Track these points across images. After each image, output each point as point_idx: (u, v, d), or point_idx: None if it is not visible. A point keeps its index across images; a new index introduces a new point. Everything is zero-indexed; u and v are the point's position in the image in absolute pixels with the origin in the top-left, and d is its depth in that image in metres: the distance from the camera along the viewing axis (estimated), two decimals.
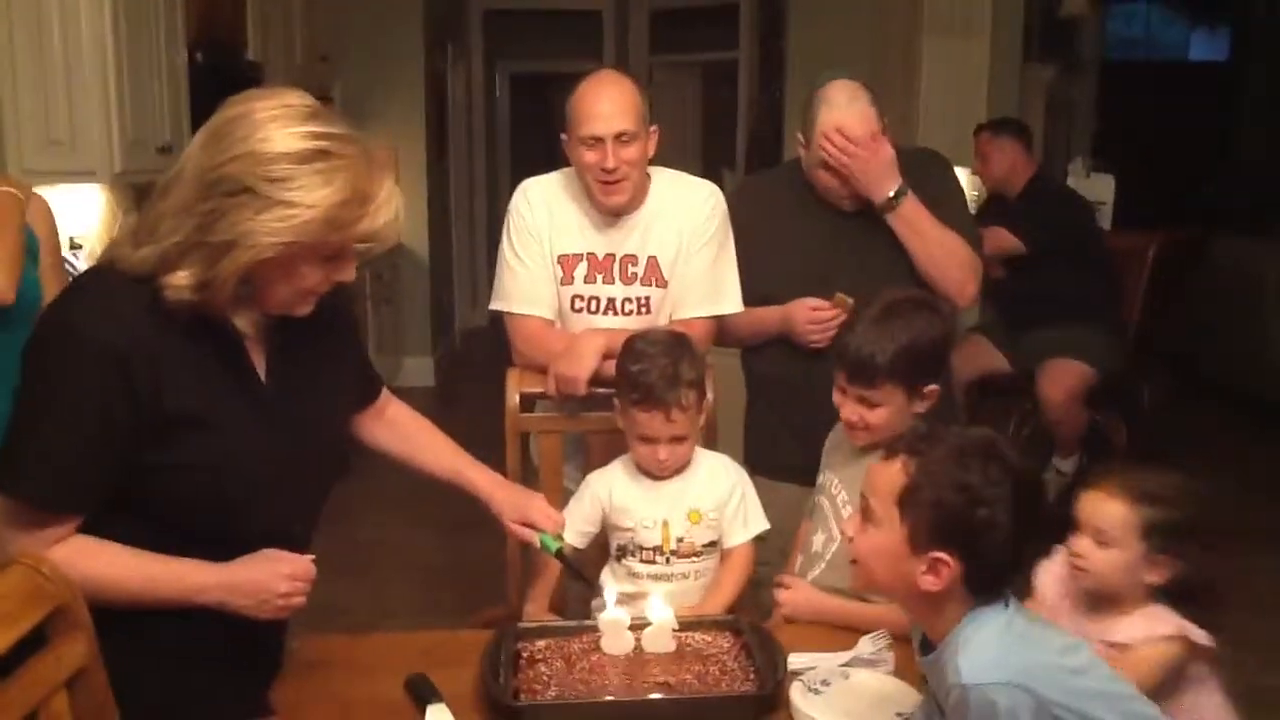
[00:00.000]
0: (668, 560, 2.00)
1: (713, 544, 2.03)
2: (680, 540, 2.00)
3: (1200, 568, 1.61)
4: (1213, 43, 9.92)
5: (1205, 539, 1.63)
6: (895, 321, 1.90)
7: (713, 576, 2.04)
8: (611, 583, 2.03)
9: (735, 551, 2.04)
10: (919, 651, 1.43)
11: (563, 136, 2.31)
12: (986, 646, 1.30)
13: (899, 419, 1.89)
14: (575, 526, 2.06)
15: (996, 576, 1.34)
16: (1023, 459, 1.38)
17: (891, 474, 1.36)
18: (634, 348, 2.01)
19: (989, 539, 1.31)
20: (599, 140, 2.22)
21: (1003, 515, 1.30)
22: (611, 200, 2.29)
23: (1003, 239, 4.21)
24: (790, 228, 2.51)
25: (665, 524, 1.99)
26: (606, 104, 2.23)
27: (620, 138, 2.22)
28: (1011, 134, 4.36)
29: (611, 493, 2.04)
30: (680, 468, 2.02)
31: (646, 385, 1.94)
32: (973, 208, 5.41)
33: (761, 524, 2.06)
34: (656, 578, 2.00)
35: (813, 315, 2.38)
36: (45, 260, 2.41)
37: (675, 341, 2.03)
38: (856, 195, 2.43)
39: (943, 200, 2.52)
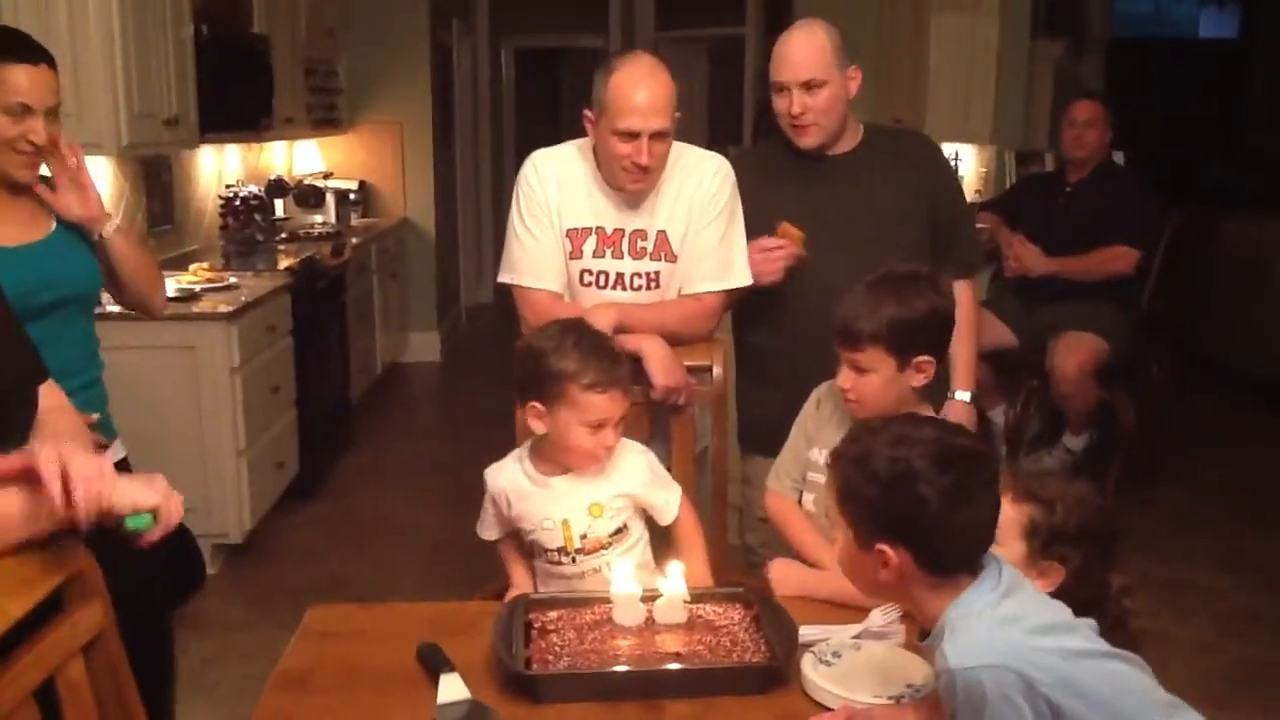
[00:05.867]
0: (574, 560, 1.96)
1: (619, 531, 1.97)
2: (584, 537, 1.95)
3: (1091, 578, 1.55)
4: (1222, 20, 9.84)
5: (1094, 550, 1.57)
6: (885, 289, 1.91)
7: (639, 560, 1.98)
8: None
9: (680, 522, 2.02)
10: (919, 637, 1.43)
11: (586, 113, 2.27)
12: (972, 630, 1.29)
13: (891, 390, 1.90)
14: (501, 530, 2.05)
15: (947, 552, 1.33)
16: (947, 433, 1.36)
17: (830, 480, 1.38)
18: (564, 345, 1.90)
19: (919, 519, 1.29)
20: (635, 135, 2.19)
21: (926, 491, 1.29)
22: (635, 188, 2.27)
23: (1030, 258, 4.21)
24: (780, 187, 2.48)
25: (565, 523, 1.94)
26: (647, 99, 2.17)
27: (656, 135, 2.19)
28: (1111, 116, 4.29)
29: (508, 497, 1.99)
30: None
31: (599, 368, 1.89)
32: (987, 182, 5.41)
33: (676, 484, 2.05)
34: (569, 577, 1.97)
35: (758, 252, 2.38)
36: None
37: (593, 330, 2.00)
38: (814, 130, 2.41)
39: (945, 192, 2.53)
